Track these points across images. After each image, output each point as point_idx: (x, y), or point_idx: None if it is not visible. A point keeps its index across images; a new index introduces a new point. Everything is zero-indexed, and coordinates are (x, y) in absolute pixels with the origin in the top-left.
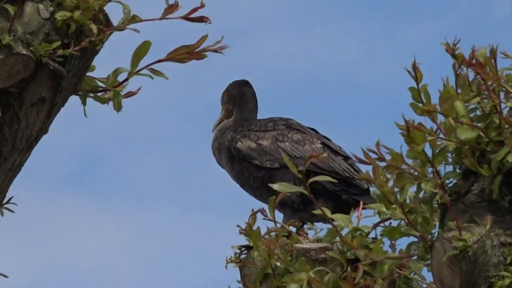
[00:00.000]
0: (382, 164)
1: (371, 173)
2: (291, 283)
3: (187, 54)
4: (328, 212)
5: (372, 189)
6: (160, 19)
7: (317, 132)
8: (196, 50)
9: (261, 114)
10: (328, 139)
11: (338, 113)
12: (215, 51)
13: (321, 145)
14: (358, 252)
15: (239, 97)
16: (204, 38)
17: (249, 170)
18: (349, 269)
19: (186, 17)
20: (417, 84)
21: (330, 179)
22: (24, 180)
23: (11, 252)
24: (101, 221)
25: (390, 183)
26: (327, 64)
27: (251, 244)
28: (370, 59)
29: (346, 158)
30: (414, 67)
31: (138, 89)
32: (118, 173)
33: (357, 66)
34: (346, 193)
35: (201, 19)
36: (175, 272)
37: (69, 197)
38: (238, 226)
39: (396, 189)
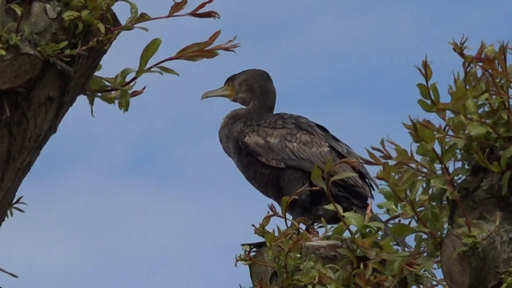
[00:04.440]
0: (389, 162)
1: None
2: (303, 280)
3: (198, 51)
4: (340, 209)
5: (381, 186)
6: (167, 16)
7: (327, 131)
8: (207, 48)
9: (316, 101)
10: (337, 140)
11: (402, 97)
12: (226, 49)
13: (328, 149)
14: (369, 252)
15: (262, 91)
16: (216, 34)
17: (255, 165)
18: (361, 265)
19: (194, 14)
20: (427, 81)
21: (351, 174)
22: (85, 169)
23: (74, 242)
24: (161, 208)
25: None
26: (391, 48)
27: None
28: (434, 42)
29: None
30: (425, 64)
31: (143, 88)
32: (178, 161)
33: (420, 49)
34: (347, 200)
35: (209, 14)
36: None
37: (129, 185)
38: (253, 225)
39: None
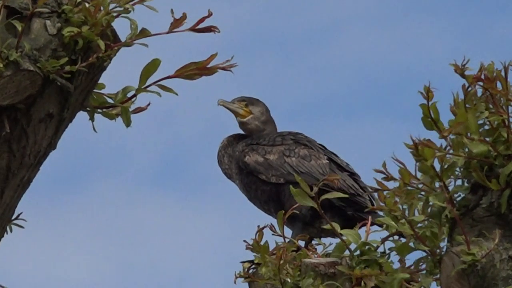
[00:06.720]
0: (391, 183)
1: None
2: None
3: (196, 70)
4: (337, 227)
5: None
6: (167, 32)
7: (325, 148)
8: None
9: (345, 112)
10: (335, 155)
11: None
12: (224, 69)
13: (327, 161)
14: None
15: (274, 124)
16: (213, 56)
17: (257, 184)
18: (362, 282)
19: (193, 29)
20: (428, 104)
21: (341, 194)
22: (110, 180)
23: (99, 253)
24: (187, 220)
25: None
26: (420, 59)
27: (256, 261)
28: (462, 55)
29: (351, 174)
30: (427, 90)
31: (148, 105)
32: (204, 173)
33: (449, 62)
34: (351, 209)
35: (209, 29)
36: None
37: (156, 197)
38: (245, 241)
39: (404, 206)
